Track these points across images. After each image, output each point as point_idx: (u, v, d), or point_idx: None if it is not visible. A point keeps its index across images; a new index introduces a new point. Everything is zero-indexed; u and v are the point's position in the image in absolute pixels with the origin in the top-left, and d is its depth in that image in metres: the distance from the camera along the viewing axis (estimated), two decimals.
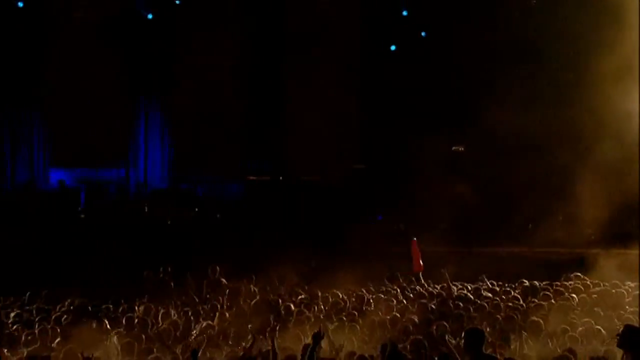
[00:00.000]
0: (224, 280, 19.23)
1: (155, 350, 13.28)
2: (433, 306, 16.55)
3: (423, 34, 30.09)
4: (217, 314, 16.16)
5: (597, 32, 25.49)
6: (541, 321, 14.28)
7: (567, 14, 25.98)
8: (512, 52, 27.47)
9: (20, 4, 28.96)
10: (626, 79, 24.59)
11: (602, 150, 25.17)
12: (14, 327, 15.45)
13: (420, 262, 20.45)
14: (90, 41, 29.23)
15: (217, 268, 19.80)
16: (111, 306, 17.07)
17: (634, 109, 23.76)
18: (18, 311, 17.20)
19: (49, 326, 15.22)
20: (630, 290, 17.48)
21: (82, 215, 27.66)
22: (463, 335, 10.84)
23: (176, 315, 16.22)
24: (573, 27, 26.12)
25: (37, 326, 15.30)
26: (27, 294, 18.82)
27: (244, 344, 13.18)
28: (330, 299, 17.65)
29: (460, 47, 28.09)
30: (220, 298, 17.81)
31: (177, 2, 29.97)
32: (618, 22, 24.57)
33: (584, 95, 25.65)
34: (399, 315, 15.43)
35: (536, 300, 16.80)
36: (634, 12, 22.32)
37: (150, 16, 29.81)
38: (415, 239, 20.97)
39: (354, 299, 17.57)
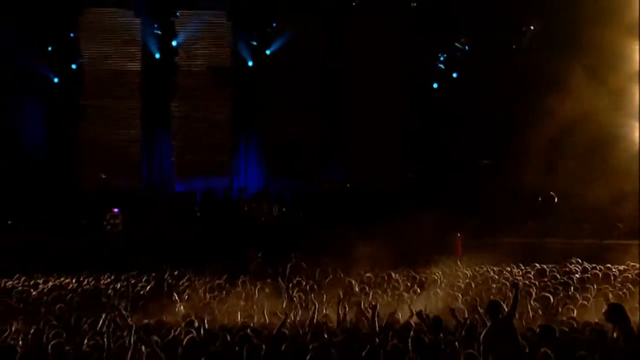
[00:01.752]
0: (303, 263, 19.32)
1: (254, 316, 13.46)
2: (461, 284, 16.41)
3: (454, 74, 30.01)
4: (297, 289, 16.20)
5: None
6: (550, 295, 14.21)
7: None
8: (531, 84, 27.33)
9: (157, 56, 29.54)
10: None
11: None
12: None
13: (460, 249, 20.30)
14: (206, 82, 29.77)
15: (298, 254, 19.90)
16: (224, 282, 17.24)
17: None
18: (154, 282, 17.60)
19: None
20: (618, 272, 17.26)
21: (198, 214, 27.87)
22: (486, 306, 10.86)
23: (268, 289, 16.35)
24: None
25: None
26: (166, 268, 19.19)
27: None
28: (386, 278, 17.67)
29: (485, 83, 27.90)
30: (301, 277, 17.87)
31: (268, 52, 30.26)
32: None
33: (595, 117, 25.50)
34: (440, 291, 15.44)
35: (545, 280, 16.71)
36: None
37: (250, 63, 30.13)
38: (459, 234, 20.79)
39: (407, 278, 17.60)
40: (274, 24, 30.29)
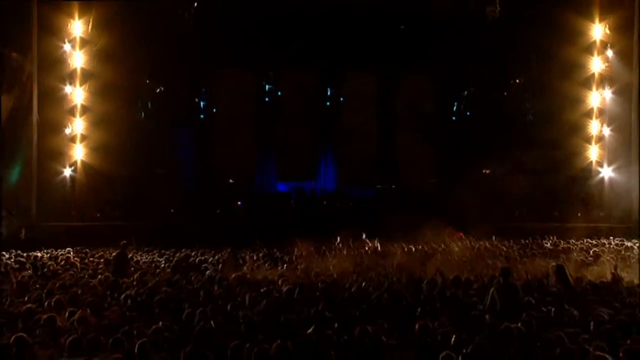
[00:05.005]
0: (367, 240, 19.41)
1: (331, 274, 13.67)
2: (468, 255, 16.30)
3: (468, 113, 29.60)
4: (366, 255, 16.22)
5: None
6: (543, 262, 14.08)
7: None
8: (517, 119, 27.09)
9: (266, 99, 30.21)
10: None
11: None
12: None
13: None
14: (299, 117, 29.97)
15: (364, 233, 19.97)
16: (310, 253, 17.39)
17: None
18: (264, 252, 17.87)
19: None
20: (598, 246, 17.05)
21: (293, 206, 28.08)
22: (500, 270, 10.28)
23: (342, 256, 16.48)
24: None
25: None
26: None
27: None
28: (420, 248, 17.68)
29: (486, 118, 27.71)
30: (363, 248, 17.95)
31: (342, 100, 30.53)
32: None
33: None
34: (456, 258, 15.40)
35: (527, 250, 16.53)
36: None
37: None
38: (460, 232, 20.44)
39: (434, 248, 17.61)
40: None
